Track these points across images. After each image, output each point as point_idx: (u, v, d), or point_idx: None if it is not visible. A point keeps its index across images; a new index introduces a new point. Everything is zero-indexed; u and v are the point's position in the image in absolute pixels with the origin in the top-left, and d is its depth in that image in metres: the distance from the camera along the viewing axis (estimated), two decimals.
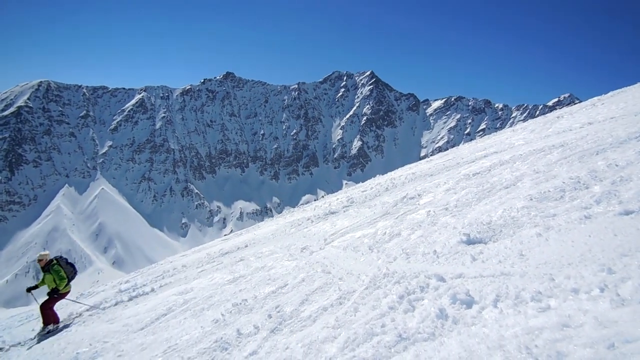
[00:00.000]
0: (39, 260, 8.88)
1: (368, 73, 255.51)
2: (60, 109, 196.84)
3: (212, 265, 10.37)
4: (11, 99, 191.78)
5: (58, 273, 8.67)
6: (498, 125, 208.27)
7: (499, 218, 5.84)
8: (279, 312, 5.12)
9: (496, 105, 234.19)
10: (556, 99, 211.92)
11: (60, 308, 10.80)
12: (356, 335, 3.75)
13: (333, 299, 4.94)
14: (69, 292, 9.18)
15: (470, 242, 5.35)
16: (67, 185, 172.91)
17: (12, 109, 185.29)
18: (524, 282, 3.76)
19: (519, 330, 2.98)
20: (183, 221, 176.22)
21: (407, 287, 4.43)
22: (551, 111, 23.16)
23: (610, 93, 18.95)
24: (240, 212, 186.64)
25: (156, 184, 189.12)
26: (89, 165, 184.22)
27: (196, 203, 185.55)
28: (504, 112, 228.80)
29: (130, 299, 9.10)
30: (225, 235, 29.00)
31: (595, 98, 19.00)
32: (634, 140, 7.85)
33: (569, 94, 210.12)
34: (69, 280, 9.00)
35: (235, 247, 12.34)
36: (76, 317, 8.83)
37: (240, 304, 5.90)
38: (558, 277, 3.62)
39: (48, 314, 8.60)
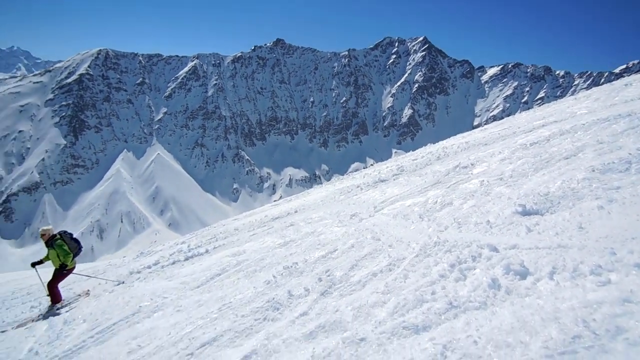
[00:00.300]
0: (42, 235, 8.61)
1: (421, 39, 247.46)
2: (118, 76, 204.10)
3: (263, 230, 10.64)
4: (73, 67, 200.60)
5: (61, 247, 8.41)
6: (558, 93, 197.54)
7: (557, 189, 5.62)
8: (328, 276, 5.22)
9: (557, 72, 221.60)
10: (624, 66, 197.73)
11: (119, 266, 11.48)
12: (406, 301, 3.77)
13: (382, 265, 4.98)
14: (74, 267, 8.96)
15: (525, 213, 5.20)
16: (125, 150, 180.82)
17: (74, 77, 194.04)
18: (582, 255, 3.64)
19: (576, 304, 2.91)
20: (234, 186, 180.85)
21: (458, 256, 4.39)
22: (618, 79, 21.69)
23: None
24: (290, 179, 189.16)
25: (208, 150, 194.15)
26: (145, 131, 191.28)
27: (247, 169, 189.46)
28: (565, 79, 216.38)
29: (186, 259, 9.53)
30: (274, 201, 29.58)
31: None
32: None
33: (638, 61, 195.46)
34: (74, 256, 8.77)
35: (285, 212, 12.58)
36: (136, 273, 9.35)
37: (291, 267, 6.05)
38: (620, 252, 3.47)
39: (54, 292, 8.39)
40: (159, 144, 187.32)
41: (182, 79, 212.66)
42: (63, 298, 8.52)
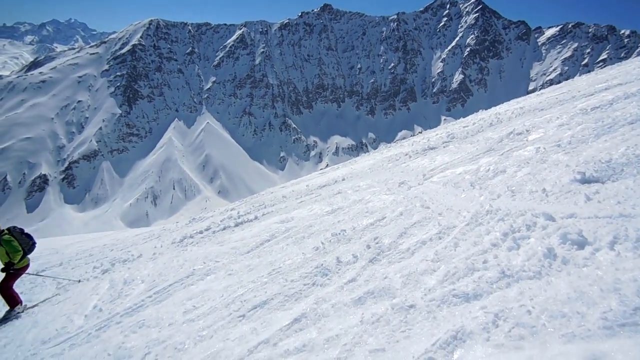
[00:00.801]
0: None
1: (474, 0, 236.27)
2: (169, 46, 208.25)
3: (310, 197, 10.74)
4: (127, 38, 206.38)
5: (10, 243, 7.40)
6: (622, 55, 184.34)
7: (620, 156, 5.31)
8: (377, 243, 5.22)
9: (622, 32, 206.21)
10: None
11: (173, 231, 11.98)
12: (456, 269, 3.73)
13: (432, 234, 4.92)
14: (27, 266, 8.02)
15: (585, 181, 4.96)
16: (176, 119, 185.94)
17: (127, 47, 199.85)
18: None
19: (638, 275, 2.78)
20: (281, 155, 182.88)
21: (511, 225, 4.27)
22: None
23: None
24: (336, 147, 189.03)
25: (256, 118, 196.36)
26: (195, 100, 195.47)
27: (294, 137, 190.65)
28: (630, 39, 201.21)
29: (236, 225, 9.80)
30: (321, 169, 29.71)
31: None
32: None
33: None
34: (26, 253, 7.77)
35: (333, 180, 12.63)
36: (189, 238, 9.73)
37: (339, 234, 6.09)
38: None
39: (9, 295, 7.52)
40: (208, 113, 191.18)
41: (230, 47, 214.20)
42: (22, 300, 7.78)
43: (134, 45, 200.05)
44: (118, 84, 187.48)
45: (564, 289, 2.92)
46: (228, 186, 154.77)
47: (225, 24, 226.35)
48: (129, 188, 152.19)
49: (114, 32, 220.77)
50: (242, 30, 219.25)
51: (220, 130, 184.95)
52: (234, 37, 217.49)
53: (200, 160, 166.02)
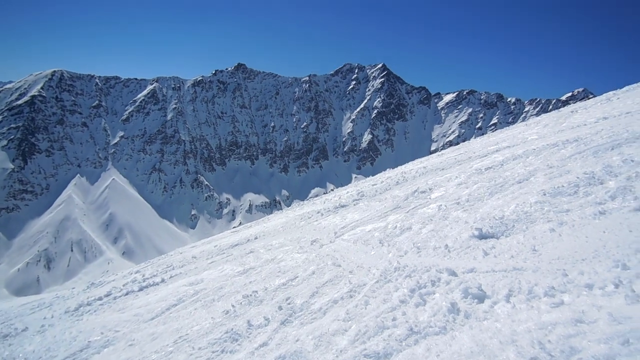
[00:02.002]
0: None
1: (380, 66, 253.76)
2: (73, 98, 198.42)
3: (222, 257, 10.42)
4: (25, 88, 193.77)
5: None
6: (510, 119, 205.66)
7: (511, 213, 5.79)
8: (289, 304, 5.14)
9: (508, 99, 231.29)
10: (570, 94, 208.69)
11: (68, 298, 10.94)
12: (367, 328, 3.75)
13: (343, 292, 4.95)
14: None
15: (482, 236, 5.32)
16: (78, 175, 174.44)
17: (25, 98, 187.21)
18: (536, 277, 3.74)
19: (532, 326, 2.96)
20: (192, 213, 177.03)
21: (418, 281, 4.42)
22: (565, 106, 22.88)
23: (626, 88, 18.64)
24: (250, 205, 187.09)
25: (167, 175, 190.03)
26: (100, 155, 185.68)
27: (206, 195, 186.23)
28: (516, 106, 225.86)
29: (140, 289, 9.18)
30: (234, 227, 29.13)
31: (610, 92, 18.71)
32: None
33: (582, 89, 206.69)
34: None
35: (245, 239, 12.40)
36: (86, 306, 8.92)
37: (251, 295, 5.92)
38: (572, 273, 3.58)
39: None
40: (115, 169, 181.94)
41: (141, 102, 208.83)
42: None
43: (33, 97, 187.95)
44: (12, 137, 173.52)
45: (467, 344, 3.02)
46: (134, 247, 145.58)
47: (136, 78, 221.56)
48: (18, 251, 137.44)
49: (11, 82, 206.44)
50: (153, 85, 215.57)
51: (127, 187, 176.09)
52: (145, 92, 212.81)
53: (104, 219, 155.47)
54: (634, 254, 3.60)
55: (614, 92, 18.57)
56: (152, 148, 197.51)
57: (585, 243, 4.14)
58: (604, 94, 18.92)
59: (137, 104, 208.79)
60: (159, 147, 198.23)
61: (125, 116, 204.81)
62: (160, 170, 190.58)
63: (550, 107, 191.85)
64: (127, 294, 9.08)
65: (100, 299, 9.16)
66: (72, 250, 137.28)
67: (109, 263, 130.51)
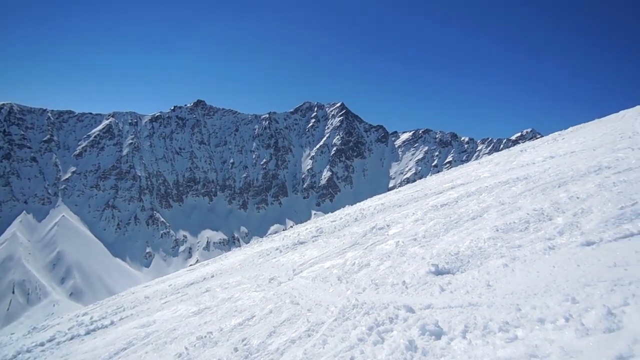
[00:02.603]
0: None
1: (338, 104, 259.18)
2: (22, 132, 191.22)
3: (176, 297, 10.06)
4: None
5: None
6: (464, 158, 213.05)
7: (466, 249, 5.91)
8: (245, 345, 4.98)
9: (462, 138, 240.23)
10: (519, 133, 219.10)
11: (5, 345, 10.19)
12: None
13: (301, 331, 4.85)
14: None
15: (438, 272, 5.38)
16: (24, 212, 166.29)
17: None
18: (491, 312, 3.78)
19: None
20: (147, 250, 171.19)
21: (376, 319, 4.39)
22: (515, 145, 23.99)
23: (570, 128, 19.77)
24: (207, 242, 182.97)
25: (120, 211, 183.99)
26: (49, 191, 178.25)
27: (161, 232, 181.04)
28: (469, 145, 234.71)
29: (87, 333, 8.69)
30: (190, 265, 28.35)
31: (556, 133, 19.78)
32: (593, 174, 8.15)
33: (531, 129, 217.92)
34: None
35: (201, 277, 12.05)
36: (25, 353, 8.33)
37: (205, 336, 5.71)
38: (524, 307, 3.65)
39: None
40: (65, 206, 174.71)
41: (95, 137, 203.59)
42: None
43: None
44: None
45: None
46: (83, 287, 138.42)
47: (91, 113, 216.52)
48: None
49: None
50: (109, 120, 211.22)
51: (78, 224, 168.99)
52: (100, 127, 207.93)
53: (51, 258, 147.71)
54: (582, 287, 3.72)
55: (560, 132, 19.65)
56: (105, 184, 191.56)
57: (536, 278, 4.25)
58: (551, 134, 20.00)
59: (91, 138, 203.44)
60: (113, 183, 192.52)
61: (78, 151, 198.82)
62: (113, 206, 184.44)
63: (502, 146, 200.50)
64: (72, 338, 8.56)
65: (42, 344, 8.58)
66: (13, 292, 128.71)
67: (54, 305, 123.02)
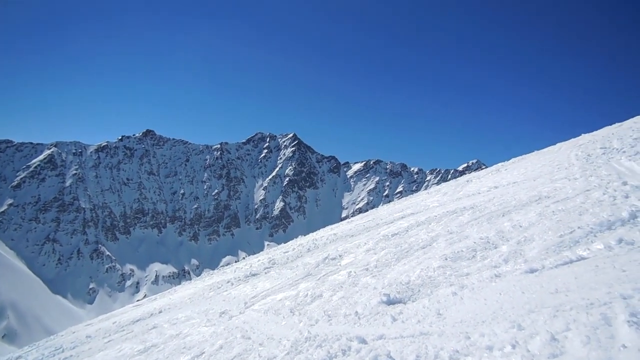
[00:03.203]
0: None
1: (291, 135, 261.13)
2: None
3: (120, 335, 9.58)
4: None
5: None
6: (414, 187, 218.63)
7: (417, 278, 5.99)
8: None
9: (412, 168, 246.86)
10: (465, 164, 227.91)
11: None
12: None
13: None
14: None
15: (390, 302, 5.41)
16: None
17: None
18: (442, 341, 3.83)
19: None
20: (91, 286, 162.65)
21: (329, 351, 4.33)
22: (461, 175, 24.86)
23: (512, 159, 20.73)
24: (156, 275, 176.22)
25: (62, 245, 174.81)
26: None
27: (107, 266, 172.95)
28: (419, 175, 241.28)
29: None
30: (138, 300, 27.10)
31: (499, 164, 20.68)
32: (534, 203, 8.54)
33: (476, 160, 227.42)
34: None
35: (149, 313, 11.56)
36: None
37: None
38: (473, 335, 3.72)
39: None
40: (0, 241, 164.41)
41: (36, 167, 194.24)
42: None
43: None
44: None
45: None
46: (17, 328, 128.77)
47: (31, 143, 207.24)
48: None
49: None
50: (51, 150, 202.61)
51: (14, 259, 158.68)
52: (41, 157, 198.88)
53: None
54: (527, 314, 3.83)
55: (502, 163, 20.56)
56: (46, 217, 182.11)
57: (484, 305, 4.35)
58: (494, 165, 20.89)
59: (31, 169, 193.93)
60: (54, 216, 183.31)
61: (16, 182, 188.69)
62: (54, 240, 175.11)
63: (449, 176, 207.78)
64: None
65: None
66: None
67: None
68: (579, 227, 5.79)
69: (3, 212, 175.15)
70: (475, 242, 6.71)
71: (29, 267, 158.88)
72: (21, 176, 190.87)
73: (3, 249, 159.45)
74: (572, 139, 18.66)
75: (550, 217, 6.87)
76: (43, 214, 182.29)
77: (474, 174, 21.45)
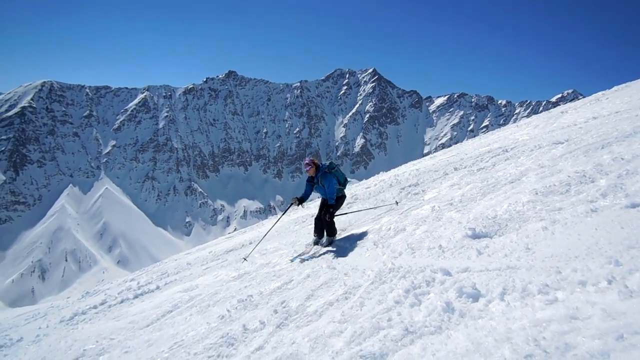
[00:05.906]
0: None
1: (370, 70, 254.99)
2: (64, 109, 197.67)
3: (216, 263, 10.39)
4: (15, 100, 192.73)
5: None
6: (501, 122, 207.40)
7: (504, 212, 5.80)
8: (284, 307, 5.11)
9: (499, 101, 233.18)
10: (560, 95, 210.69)
11: (64, 307, 10.85)
12: (362, 329, 3.73)
13: (339, 294, 4.93)
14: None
15: (475, 236, 5.32)
16: (71, 185, 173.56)
17: (15, 110, 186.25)
18: (530, 275, 3.74)
19: (526, 323, 2.97)
20: (187, 220, 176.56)
21: (413, 282, 4.41)
22: (555, 107, 23.07)
23: (615, 88, 18.83)
24: (244, 211, 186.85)
25: (160, 183, 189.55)
26: (92, 165, 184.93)
27: (200, 202, 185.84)
28: (507, 108, 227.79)
29: (135, 297, 9.12)
30: (229, 233, 29.05)
31: (599, 93, 18.89)
32: (639, 134, 7.80)
33: (572, 90, 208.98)
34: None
35: (240, 244, 12.37)
36: (81, 315, 8.84)
37: (246, 300, 5.89)
38: (565, 270, 3.59)
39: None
40: (107, 178, 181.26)
41: (132, 111, 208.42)
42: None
43: (23, 108, 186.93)
44: (3, 148, 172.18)
45: (462, 342, 3.02)
46: (128, 255, 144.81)
47: (126, 88, 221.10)
48: (12, 262, 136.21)
49: (1, 93, 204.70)
50: (144, 94, 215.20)
51: (121, 195, 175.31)
52: (135, 101, 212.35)
53: (98, 229, 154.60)
54: (626, 250, 3.62)
55: (603, 92, 18.76)
56: (144, 156, 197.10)
57: (577, 240, 4.16)
58: (593, 95, 19.09)
59: (128, 113, 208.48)
60: (151, 156, 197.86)
61: (117, 125, 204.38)
62: (153, 178, 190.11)
63: (541, 108, 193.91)
64: (122, 301, 9.01)
65: (95, 307, 9.08)
66: (66, 260, 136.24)
67: (103, 272, 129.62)
68: None
69: (108, 152, 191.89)
70: (569, 176, 6.31)
71: (133, 202, 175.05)
72: (120, 119, 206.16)
73: (111, 186, 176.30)
74: None
75: None
76: (142, 153, 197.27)
77: (569, 104, 19.78)
